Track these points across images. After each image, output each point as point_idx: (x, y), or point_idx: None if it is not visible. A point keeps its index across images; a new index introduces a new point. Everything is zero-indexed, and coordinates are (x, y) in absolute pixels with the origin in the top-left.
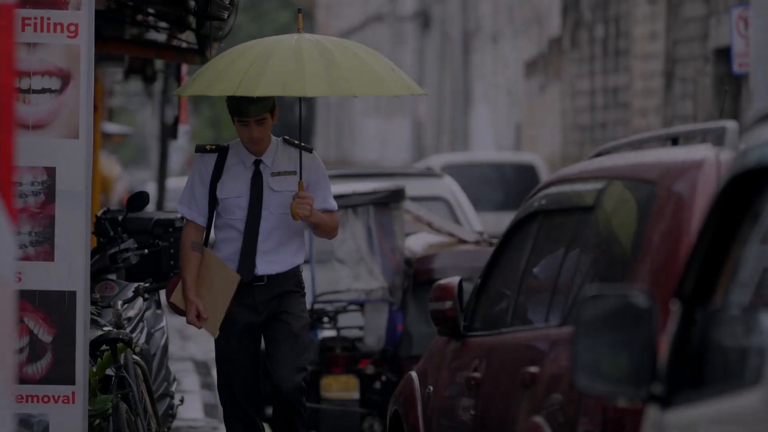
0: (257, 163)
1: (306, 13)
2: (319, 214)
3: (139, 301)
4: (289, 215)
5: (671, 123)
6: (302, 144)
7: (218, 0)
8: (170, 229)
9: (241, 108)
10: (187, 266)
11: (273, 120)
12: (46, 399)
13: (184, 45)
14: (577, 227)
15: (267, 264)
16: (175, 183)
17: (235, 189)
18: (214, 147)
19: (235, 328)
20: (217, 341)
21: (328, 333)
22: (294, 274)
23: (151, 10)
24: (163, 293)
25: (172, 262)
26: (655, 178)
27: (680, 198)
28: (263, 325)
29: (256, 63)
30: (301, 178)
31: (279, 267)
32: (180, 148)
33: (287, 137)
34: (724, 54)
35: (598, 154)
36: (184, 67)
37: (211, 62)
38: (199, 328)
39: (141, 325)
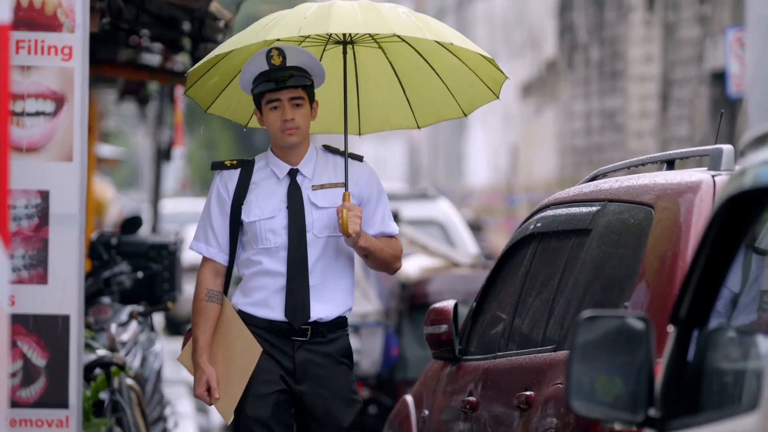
0: (293, 173)
1: None
2: (371, 239)
3: (134, 324)
4: (339, 239)
5: (667, 145)
6: (348, 151)
7: (212, 22)
8: (164, 253)
9: (271, 76)
10: (199, 323)
11: (312, 114)
12: (39, 423)
13: (179, 67)
14: (572, 250)
15: (314, 305)
16: (170, 205)
17: (266, 208)
18: (235, 162)
19: (266, 400)
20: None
21: None
22: (343, 333)
23: (145, 32)
24: (158, 316)
25: (166, 286)
26: (651, 201)
27: (676, 221)
28: (298, 401)
29: (318, 9)
30: (347, 189)
31: (329, 309)
32: (174, 169)
33: (328, 144)
34: (719, 76)
35: (594, 177)
36: (179, 90)
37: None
38: (209, 404)
39: (135, 348)
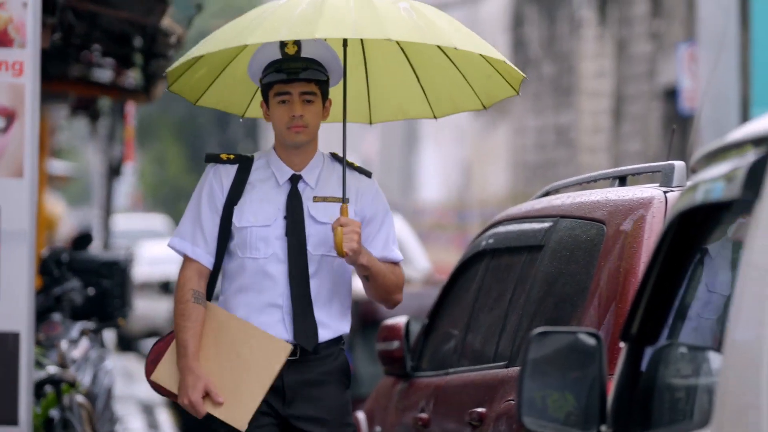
0: (295, 179)
1: None
2: (374, 258)
3: (84, 341)
4: (334, 261)
5: (620, 160)
6: (353, 163)
7: (164, 38)
8: (115, 269)
9: (283, 66)
10: (187, 326)
11: (324, 114)
12: None
13: (130, 82)
14: (524, 266)
15: None
16: (122, 221)
17: (260, 214)
18: (233, 156)
19: (249, 429)
20: None
21: None
22: (339, 351)
23: (96, 47)
24: (109, 333)
25: (117, 302)
26: (603, 218)
27: (628, 237)
28: (286, 428)
29: (308, 7)
30: (344, 200)
31: (324, 332)
32: (126, 185)
33: (335, 153)
34: (672, 91)
35: (546, 193)
36: (129, 106)
37: (223, 28)
38: (202, 414)
39: (86, 365)
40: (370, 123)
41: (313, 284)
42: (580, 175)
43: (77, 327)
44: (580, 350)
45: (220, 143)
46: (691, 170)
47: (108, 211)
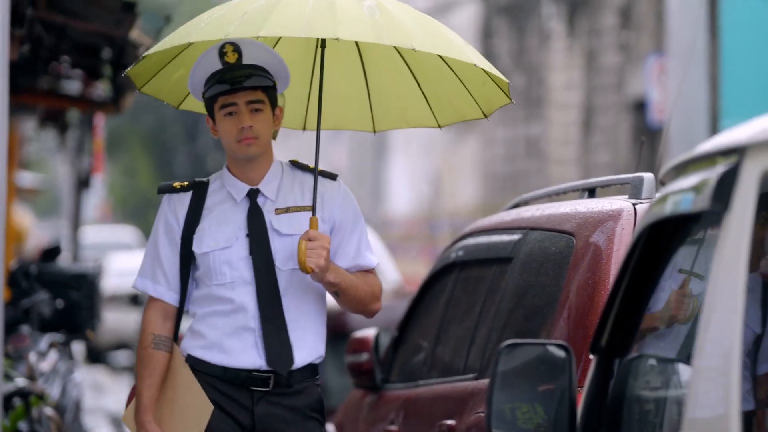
0: (253, 194)
1: None
2: (344, 273)
3: (53, 353)
4: (308, 275)
5: (589, 172)
6: (319, 168)
7: (132, 49)
8: (84, 281)
9: (225, 76)
10: (144, 375)
11: (274, 123)
12: None
13: (99, 94)
14: (494, 278)
15: None
16: (91, 233)
17: (220, 237)
18: (186, 184)
19: None
20: None
21: None
22: (314, 385)
23: (65, 59)
24: (78, 345)
25: (86, 314)
26: (572, 229)
27: (597, 249)
28: None
29: (263, 5)
30: (314, 213)
31: (300, 354)
32: (95, 197)
33: (296, 160)
34: (641, 103)
35: (516, 205)
36: (99, 118)
37: (182, 27)
38: None
39: (55, 377)
40: (374, 131)
41: (285, 302)
42: (549, 186)
43: (46, 339)
44: (549, 362)
45: (189, 155)
46: (660, 182)
47: (76, 223)
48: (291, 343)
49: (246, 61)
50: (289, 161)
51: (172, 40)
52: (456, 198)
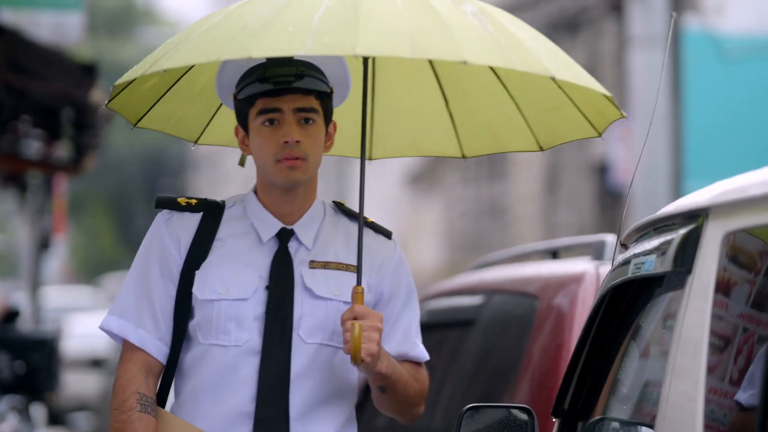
0: (284, 236)
1: None
2: (395, 363)
3: (12, 417)
4: (336, 351)
5: (553, 230)
6: (366, 218)
7: (92, 110)
8: (44, 344)
9: (269, 73)
10: None
11: (327, 143)
12: None
13: (60, 155)
14: (457, 341)
15: None
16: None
17: (232, 283)
18: (194, 201)
19: None
20: None
21: None
22: None
23: (26, 118)
24: (39, 408)
25: (45, 377)
26: (535, 292)
27: (560, 311)
28: None
29: (335, 4)
30: (359, 282)
31: None
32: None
33: (342, 202)
34: (604, 163)
35: (479, 267)
36: (59, 179)
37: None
38: None
39: None
40: (370, 159)
41: (303, 386)
42: (513, 245)
43: (5, 402)
44: (512, 425)
45: (150, 217)
46: (622, 245)
47: (36, 284)
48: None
49: (298, 56)
50: (333, 202)
51: (211, 50)
52: (420, 259)
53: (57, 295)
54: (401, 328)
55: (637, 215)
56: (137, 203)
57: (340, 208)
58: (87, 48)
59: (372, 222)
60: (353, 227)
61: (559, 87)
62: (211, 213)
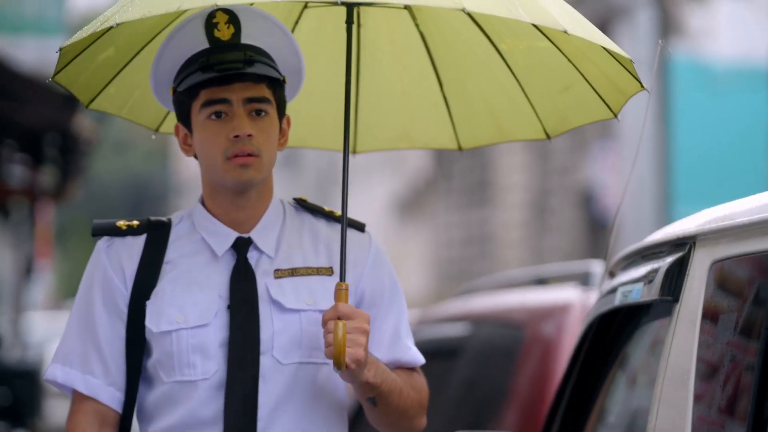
0: (242, 246)
1: None
2: (385, 369)
3: None
4: (320, 369)
5: (540, 255)
6: (332, 211)
7: (78, 135)
8: (27, 370)
9: (212, 60)
10: None
11: (281, 138)
12: None
13: (45, 180)
14: (443, 370)
15: None
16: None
17: (189, 309)
18: (136, 224)
19: None
20: None
21: None
22: None
23: (11, 143)
24: None
25: (28, 405)
26: (521, 321)
27: (547, 341)
28: None
29: None
30: (343, 278)
31: None
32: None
33: (304, 198)
34: (590, 188)
35: (464, 294)
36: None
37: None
38: None
39: None
40: (354, 152)
41: (281, 418)
42: (500, 270)
43: None
44: None
45: None
46: (609, 273)
47: (19, 310)
48: None
49: (245, 39)
50: (294, 199)
51: (149, 4)
52: (406, 286)
53: (41, 321)
54: (389, 331)
55: (625, 241)
56: None
57: (302, 204)
58: None
59: (350, 218)
60: (319, 224)
61: (570, 61)
62: (157, 234)
